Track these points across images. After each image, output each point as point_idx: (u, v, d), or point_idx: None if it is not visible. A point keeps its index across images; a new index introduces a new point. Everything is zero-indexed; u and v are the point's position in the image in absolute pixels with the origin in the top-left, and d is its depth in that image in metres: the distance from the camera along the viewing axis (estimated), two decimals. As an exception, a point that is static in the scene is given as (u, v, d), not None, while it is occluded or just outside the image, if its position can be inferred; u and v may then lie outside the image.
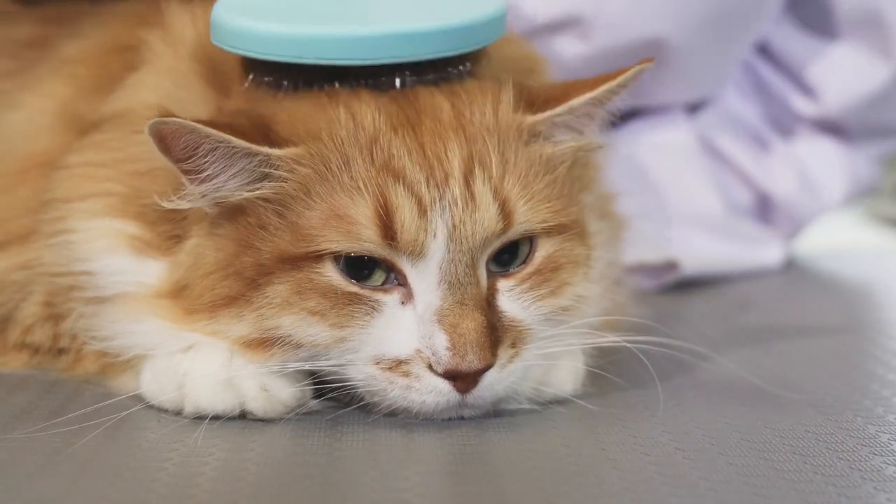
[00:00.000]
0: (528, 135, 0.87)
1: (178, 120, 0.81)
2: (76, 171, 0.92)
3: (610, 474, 0.77)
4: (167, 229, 0.88)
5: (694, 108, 1.45)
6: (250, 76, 0.89)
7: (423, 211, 0.82)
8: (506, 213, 0.84)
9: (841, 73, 1.45)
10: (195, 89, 0.91)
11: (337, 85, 0.87)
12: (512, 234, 0.85)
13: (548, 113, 0.87)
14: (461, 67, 0.90)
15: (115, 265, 0.89)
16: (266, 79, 0.88)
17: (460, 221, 0.83)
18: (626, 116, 1.41)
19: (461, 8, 0.89)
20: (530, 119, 0.87)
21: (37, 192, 0.95)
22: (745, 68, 1.48)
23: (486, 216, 0.83)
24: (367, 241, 0.82)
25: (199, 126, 0.82)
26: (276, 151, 0.83)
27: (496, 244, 0.85)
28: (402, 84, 0.87)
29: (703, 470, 0.77)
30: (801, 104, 1.47)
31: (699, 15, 1.34)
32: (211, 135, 0.82)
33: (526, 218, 0.85)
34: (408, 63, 0.87)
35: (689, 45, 1.34)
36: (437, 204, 0.82)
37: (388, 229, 0.82)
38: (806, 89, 1.47)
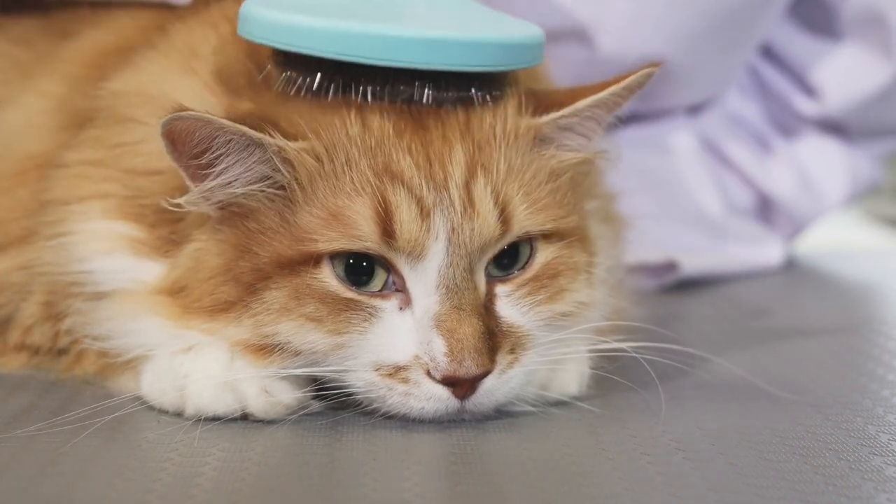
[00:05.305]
0: (534, 139, 0.87)
1: (195, 113, 0.81)
2: (73, 170, 0.92)
3: (610, 474, 0.77)
4: (166, 232, 0.88)
5: (696, 108, 1.45)
6: (268, 67, 0.87)
7: (425, 213, 0.82)
8: (505, 218, 0.84)
9: (843, 73, 1.45)
10: (199, 80, 0.91)
11: (354, 88, 0.85)
12: (510, 237, 0.85)
13: (553, 115, 0.87)
14: (487, 92, 0.86)
15: (112, 265, 0.88)
16: (285, 74, 0.86)
17: (459, 226, 0.83)
18: (628, 119, 1.41)
19: (500, 27, 0.87)
20: (536, 121, 0.87)
21: (35, 193, 0.95)
22: (747, 69, 1.48)
23: (486, 222, 0.83)
24: (366, 238, 0.82)
25: (216, 118, 0.81)
26: (287, 143, 0.82)
27: (495, 249, 0.85)
28: (420, 97, 0.85)
29: (703, 470, 0.77)
30: (803, 104, 1.47)
31: (697, 30, 1.34)
32: (226, 126, 0.81)
33: (525, 221, 0.85)
34: (430, 73, 0.84)
35: (689, 58, 1.34)
36: (438, 206, 0.82)
37: (386, 227, 0.82)
38: (808, 89, 1.47)
